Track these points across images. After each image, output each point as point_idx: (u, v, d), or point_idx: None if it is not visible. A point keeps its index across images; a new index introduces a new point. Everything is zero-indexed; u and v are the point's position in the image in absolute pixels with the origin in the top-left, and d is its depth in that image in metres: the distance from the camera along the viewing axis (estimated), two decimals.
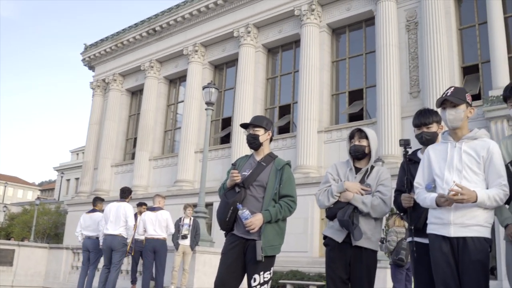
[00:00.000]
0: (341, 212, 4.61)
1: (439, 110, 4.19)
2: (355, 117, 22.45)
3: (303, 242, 20.35)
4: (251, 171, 4.88)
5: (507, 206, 3.99)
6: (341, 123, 22.82)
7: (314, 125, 22.04)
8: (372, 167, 4.89)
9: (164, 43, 29.95)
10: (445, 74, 18.91)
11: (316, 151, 21.85)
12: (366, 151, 4.83)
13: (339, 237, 4.65)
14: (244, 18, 25.77)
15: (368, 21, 22.73)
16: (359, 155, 4.83)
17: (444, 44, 19.30)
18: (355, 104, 22.58)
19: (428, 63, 19.18)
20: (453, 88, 4.09)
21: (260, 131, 5.02)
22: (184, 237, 12.19)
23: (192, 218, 12.67)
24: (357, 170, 4.87)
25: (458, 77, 19.44)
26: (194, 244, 12.31)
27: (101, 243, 10.70)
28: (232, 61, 27.45)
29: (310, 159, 21.63)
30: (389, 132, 19.50)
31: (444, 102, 4.01)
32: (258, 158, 5.03)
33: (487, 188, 3.84)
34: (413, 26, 20.73)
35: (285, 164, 4.91)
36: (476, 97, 18.76)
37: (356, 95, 22.77)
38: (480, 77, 19.44)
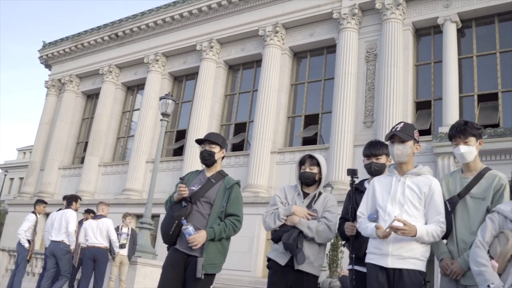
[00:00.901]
0: (286, 235, 4.65)
1: (388, 143, 4.30)
2: (309, 141, 22.72)
3: (247, 261, 20.31)
4: (199, 186, 4.87)
5: (444, 241, 4.14)
6: (295, 145, 23.03)
7: (268, 145, 22.18)
8: (320, 193, 4.96)
9: (125, 49, 29.65)
10: (399, 107, 19.40)
11: (267, 171, 21.95)
12: (316, 178, 4.92)
13: (282, 260, 4.68)
14: (208, 32, 25.84)
15: (329, 48, 23.16)
16: (309, 182, 4.91)
17: (400, 78, 19.83)
18: (310, 128, 22.86)
19: (384, 95, 19.64)
20: (402, 123, 4.22)
21: (216, 148, 5.02)
22: (122, 246, 11.98)
23: (130, 227, 12.48)
24: (305, 195, 4.93)
25: (411, 111, 19.98)
26: (131, 254, 12.10)
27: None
28: (192, 74, 27.40)
29: (261, 179, 21.70)
30: (341, 159, 19.79)
31: (392, 137, 4.14)
32: (208, 174, 5.02)
33: (426, 223, 3.96)
34: (372, 57, 21.24)
35: (234, 183, 4.91)
36: (426, 132, 19.33)
37: (311, 120, 23.07)
38: (432, 113, 20.03)
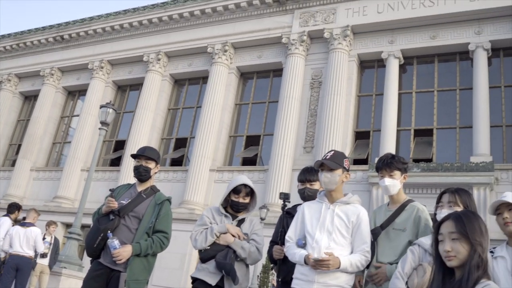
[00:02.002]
0: (221, 254, 4.60)
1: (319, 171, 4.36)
2: (249, 161, 22.78)
3: (177, 278, 19.99)
4: (129, 200, 4.77)
5: None
6: (234, 165, 23.03)
7: (208, 162, 22.08)
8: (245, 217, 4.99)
9: (69, 53, 28.93)
10: (339, 135, 19.79)
11: (205, 188, 21.81)
12: (247, 206, 4.95)
13: (212, 280, 4.61)
14: (156, 44, 25.63)
15: (276, 71, 23.43)
16: (240, 209, 4.92)
17: (342, 107, 20.26)
18: (250, 149, 22.94)
19: (325, 122, 19.99)
20: (333, 152, 4.28)
21: (152, 164, 4.97)
22: (44, 255, 11.50)
23: (54, 236, 12.03)
24: (233, 216, 4.92)
25: (350, 140, 20.43)
26: (53, 263, 11.66)
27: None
28: (137, 85, 27.03)
29: (198, 196, 21.54)
30: (279, 181, 19.92)
31: (322, 165, 4.18)
32: (140, 189, 4.93)
33: (352, 252, 4.03)
34: (317, 84, 21.63)
35: (165, 200, 4.84)
36: (363, 161, 19.80)
37: (253, 140, 23.17)
38: (370, 143, 20.54)
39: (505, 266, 3.51)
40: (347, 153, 19.81)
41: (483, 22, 19.53)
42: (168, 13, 25.25)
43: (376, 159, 17.05)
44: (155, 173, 5.03)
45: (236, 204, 4.87)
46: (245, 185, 4.86)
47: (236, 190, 4.86)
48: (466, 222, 2.61)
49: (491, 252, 3.68)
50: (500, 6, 18.94)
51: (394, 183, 4.28)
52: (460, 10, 19.49)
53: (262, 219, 18.19)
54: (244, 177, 5.00)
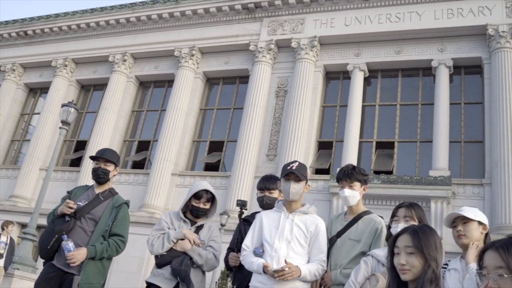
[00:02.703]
0: (177, 261, 4.56)
1: (282, 180, 4.36)
2: (212, 167, 22.70)
3: (134, 282, 19.70)
4: (86, 202, 4.68)
5: None
6: (196, 170, 22.92)
7: (170, 166, 21.90)
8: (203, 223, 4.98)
9: (33, 49, 28.32)
10: (302, 144, 19.92)
11: (166, 192, 21.62)
12: (207, 212, 4.94)
13: (167, 286, 4.57)
14: (123, 45, 25.34)
15: (242, 78, 23.47)
16: (200, 214, 4.90)
17: (306, 117, 20.43)
18: (214, 155, 22.87)
19: (289, 131, 20.12)
20: (297, 163, 4.32)
21: (111, 167, 4.90)
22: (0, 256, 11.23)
23: (9, 236, 11.73)
24: (191, 222, 4.89)
25: (313, 149, 20.59)
26: (8, 265, 11.36)
27: None
28: (101, 85, 26.61)
29: (158, 200, 21.33)
30: (241, 188, 19.91)
31: (288, 174, 4.20)
32: (97, 191, 4.85)
33: (308, 261, 4.07)
34: (282, 93, 21.75)
35: (123, 203, 4.78)
36: (325, 171, 19.97)
37: (216, 146, 23.11)
38: (333, 153, 20.74)
39: (457, 278, 3.60)
40: (309, 163, 19.98)
41: (447, 40, 20.03)
42: (136, 14, 25.03)
43: (338, 170, 17.23)
44: (114, 175, 4.97)
45: (196, 209, 4.86)
46: (207, 191, 4.84)
47: (197, 196, 4.83)
48: (422, 237, 2.66)
49: (445, 264, 3.76)
50: (463, 25, 19.48)
51: (353, 194, 4.35)
52: (425, 27, 19.95)
53: (222, 225, 18.14)
54: (205, 183, 4.98)
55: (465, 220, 3.69)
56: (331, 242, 4.30)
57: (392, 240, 2.85)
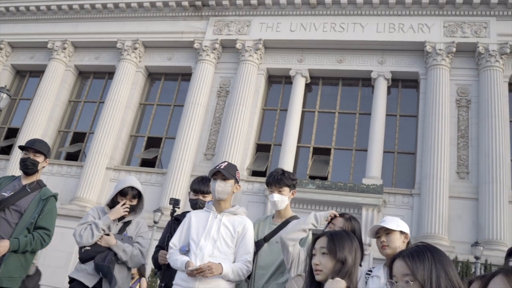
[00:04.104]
0: (100, 256, 4.47)
1: (211, 180, 4.37)
2: (148, 163, 22.36)
3: (61, 277, 19.07)
4: (12, 193, 4.51)
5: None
6: (132, 165, 22.51)
7: (105, 160, 21.43)
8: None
9: None
10: (240, 145, 19.98)
11: (99, 186, 21.14)
12: (134, 208, 4.89)
13: (90, 282, 4.47)
14: (63, 32, 24.56)
15: (185, 75, 23.28)
16: (128, 209, 4.85)
17: (246, 118, 20.52)
18: (151, 151, 22.56)
19: (228, 131, 20.13)
20: (226, 162, 4.35)
21: (40, 158, 4.74)
22: None
23: None
24: (119, 218, 4.82)
25: (251, 151, 20.68)
26: None
27: None
28: (38, 72, 25.70)
29: (91, 193, 20.82)
30: (176, 186, 19.72)
31: (216, 174, 4.22)
32: (25, 182, 4.68)
33: (235, 261, 4.10)
34: (224, 93, 21.74)
35: (51, 196, 4.63)
36: (262, 174, 20.11)
37: (154, 142, 22.81)
38: (270, 156, 20.91)
39: (379, 285, 3.71)
40: (247, 164, 20.07)
41: (387, 53, 20.65)
42: (80, 2, 24.34)
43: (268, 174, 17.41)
44: (43, 167, 4.81)
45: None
46: (132, 188, 4.78)
47: (122, 193, 4.76)
48: (337, 240, 2.74)
49: (370, 271, 3.87)
50: (403, 40, 20.16)
51: (282, 199, 4.41)
52: (367, 39, 20.48)
53: (155, 222, 17.94)
54: (132, 179, 4.93)
55: (388, 231, 3.81)
56: (258, 245, 4.34)
57: (312, 241, 2.94)
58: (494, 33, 19.55)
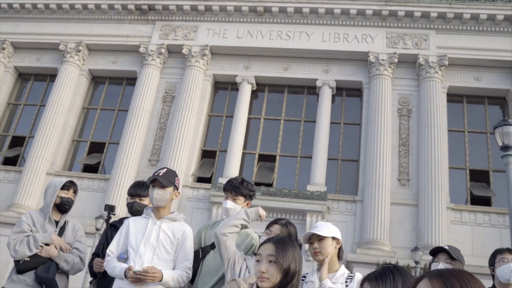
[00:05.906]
0: (42, 268, 4.35)
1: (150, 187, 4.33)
2: (91, 168, 21.84)
3: None
4: None
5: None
6: (74, 170, 21.91)
7: (45, 165, 20.79)
8: (67, 221, 4.82)
9: None
10: (185, 151, 19.84)
11: (39, 193, 20.43)
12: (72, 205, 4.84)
13: None
14: (2, 32, 23.67)
15: (130, 80, 22.92)
16: (68, 208, 4.78)
17: (192, 124, 20.40)
18: (94, 156, 22.06)
19: (173, 137, 19.95)
20: (165, 169, 4.33)
21: None
22: None
23: None
24: (55, 222, 4.74)
25: (196, 157, 20.57)
26: None
27: None
28: None
29: (30, 200, 20.14)
30: (120, 192, 19.33)
31: (154, 181, 4.18)
32: None
33: (174, 268, 4.07)
34: (170, 99, 21.56)
35: None
36: (207, 180, 20.04)
37: (97, 147, 22.32)
38: (216, 163, 20.87)
39: None
40: (192, 170, 19.95)
41: (332, 62, 21.04)
42: (20, 1, 23.55)
43: (221, 179, 17.37)
44: None
45: (67, 201, 4.76)
46: (71, 181, 4.76)
47: (64, 186, 4.70)
48: (285, 248, 2.74)
49: (304, 277, 3.92)
50: (347, 50, 20.63)
51: (235, 207, 4.38)
52: (312, 47, 20.81)
53: (97, 229, 17.64)
54: (60, 178, 4.94)
55: (320, 237, 3.86)
56: (204, 251, 4.32)
57: (257, 248, 2.94)
58: (433, 45, 20.27)
